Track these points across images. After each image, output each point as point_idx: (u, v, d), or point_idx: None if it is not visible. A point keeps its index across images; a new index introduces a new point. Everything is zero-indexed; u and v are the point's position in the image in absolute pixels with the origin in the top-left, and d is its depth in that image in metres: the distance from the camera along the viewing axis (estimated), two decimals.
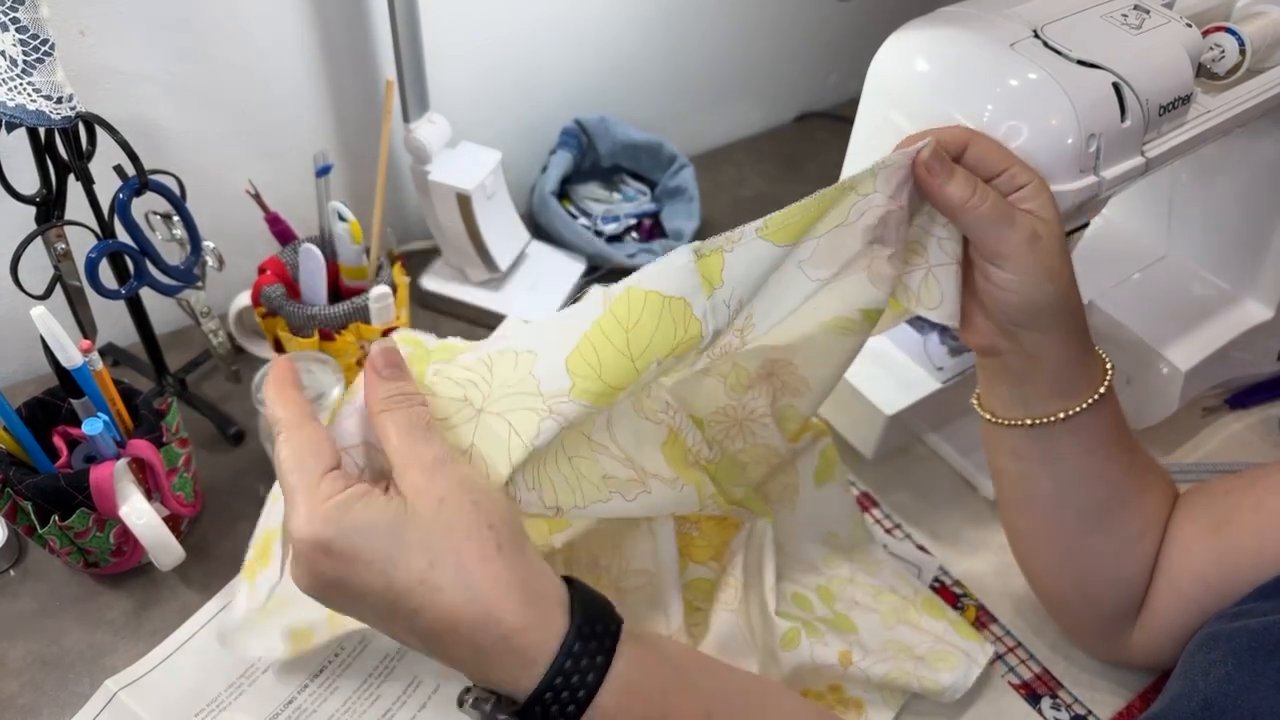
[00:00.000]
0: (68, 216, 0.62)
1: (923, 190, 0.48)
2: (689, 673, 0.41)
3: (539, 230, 0.91)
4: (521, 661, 0.37)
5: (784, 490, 0.64)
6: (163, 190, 0.63)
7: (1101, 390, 0.52)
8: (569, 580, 0.40)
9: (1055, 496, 0.56)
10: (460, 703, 0.39)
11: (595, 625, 0.38)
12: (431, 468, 0.38)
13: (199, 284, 0.67)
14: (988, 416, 0.56)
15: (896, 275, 0.50)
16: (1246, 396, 0.81)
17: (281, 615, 0.56)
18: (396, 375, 0.41)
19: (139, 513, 0.58)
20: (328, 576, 0.37)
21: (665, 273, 0.43)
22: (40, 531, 0.58)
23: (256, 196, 0.72)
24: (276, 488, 0.58)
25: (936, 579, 0.68)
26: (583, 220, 0.92)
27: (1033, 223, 0.47)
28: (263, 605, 0.54)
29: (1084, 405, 0.52)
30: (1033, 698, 0.62)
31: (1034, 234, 0.47)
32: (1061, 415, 0.52)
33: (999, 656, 0.64)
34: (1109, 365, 0.54)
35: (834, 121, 1.17)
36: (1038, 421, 0.53)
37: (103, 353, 0.76)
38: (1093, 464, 0.54)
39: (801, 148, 1.13)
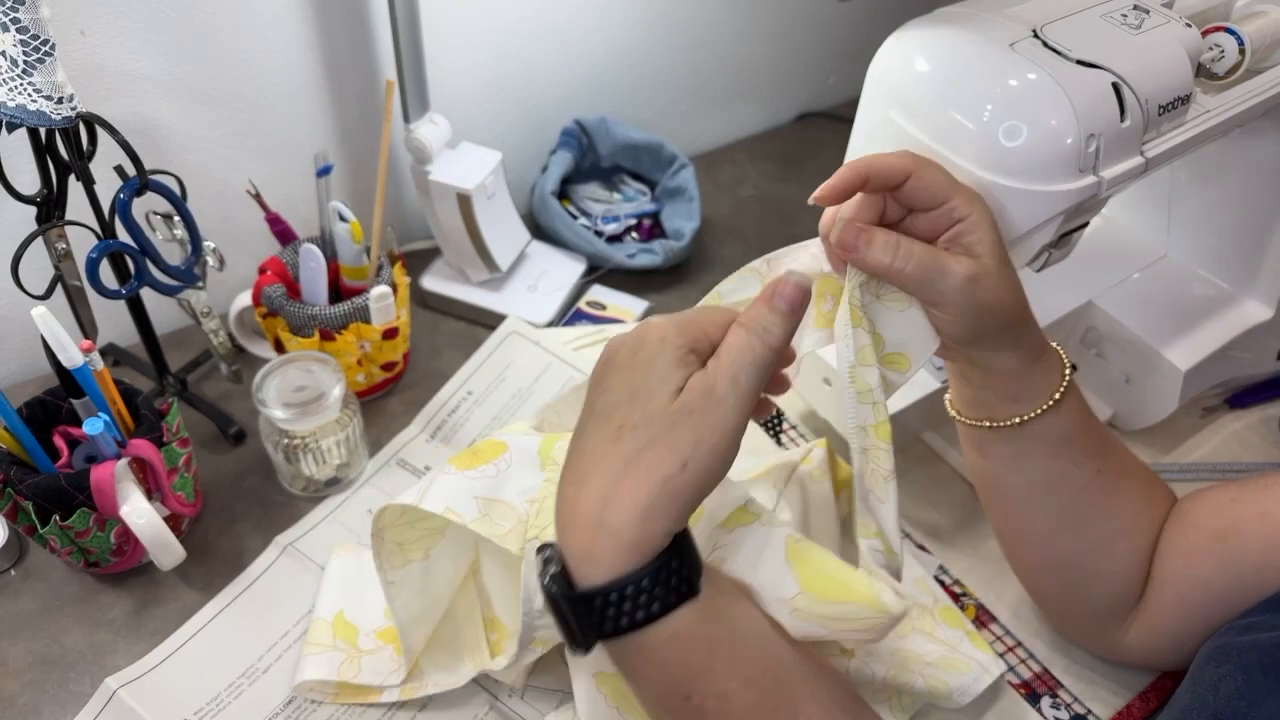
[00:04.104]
0: (68, 216, 0.62)
1: (850, 262, 0.48)
2: (727, 645, 0.41)
3: (539, 230, 0.91)
4: (605, 559, 0.39)
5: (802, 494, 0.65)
6: (163, 190, 0.63)
7: (1057, 396, 0.52)
8: (683, 534, 0.41)
9: (1022, 495, 0.56)
10: (539, 550, 0.42)
11: (670, 579, 0.39)
12: (709, 393, 0.40)
13: (199, 284, 0.68)
14: (954, 414, 0.57)
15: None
16: (1246, 396, 0.81)
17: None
18: (781, 314, 0.42)
19: (139, 512, 0.58)
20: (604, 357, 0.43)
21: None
22: (41, 531, 0.58)
23: (257, 196, 0.72)
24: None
25: (936, 578, 0.68)
26: (583, 220, 0.92)
27: (969, 265, 0.46)
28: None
29: (1039, 411, 0.52)
30: (1032, 697, 0.62)
31: (969, 277, 0.46)
32: (1018, 420, 0.53)
33: (999, 656, 0.63)
34: (1067, 371, 0.53)
35: (834, 121, 1.17)
36: (997, 424, 0.54)
37: (103, 353, 0.76)
38: (1057, 466, 0.54)
39: (801, 148, 1.13)
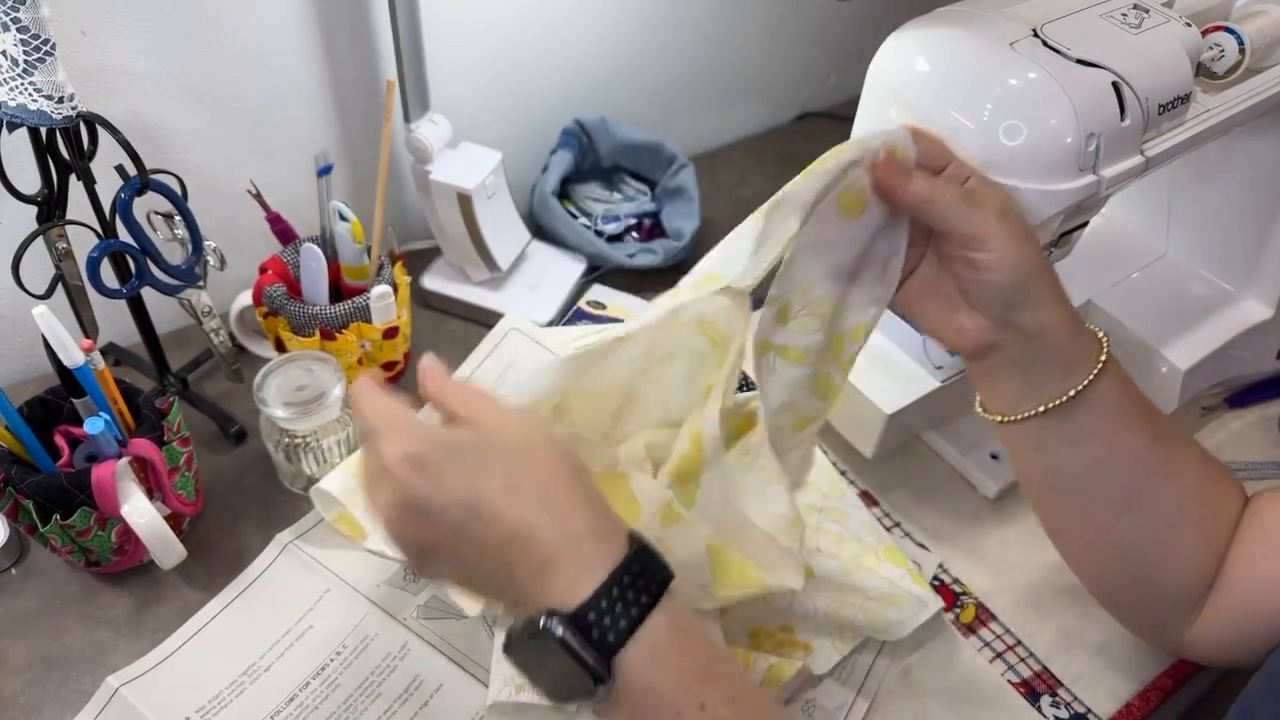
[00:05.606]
0: (69, 216, 0.62)
1: (886, 193, 0.51)
2: (718, 652, 0.45)
3: (539, 230, 0.91)
4: (585, 567, 0.39)
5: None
6: (164, 190, 0.63)
7: (1104, 356, 0.52)
8: (640, 546, 0.42)
9: (1083, 481, 0.54)
10: (510, 635, 0.40)
11: (649, 562, 0.40)
12: (509, 410, 0.43)
13: (200, 283, 0.68)
14: (998, 419, 0.54)
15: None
16: (1246, 395, 0.81)
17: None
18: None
19: (140, 511, 0.58)
20: (413, 494, 0.40)
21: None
22: (42, 530, 0.58)
23: (258, 196, 0.72)
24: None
25: (936, 577, 0.68)
26: (583, 220, 0.92)
27: (995, 199, 0.50)
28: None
29: (1091, 375, 0.51)
30: (1032, 695, 0.62)
31: (1000, 209, 0.50)
32: (1072, 392, 0.51)
33: (998, 655, 0.64)
34: (1101, 333, 0.53)
35: (834, 121, 1.17)
36: (1051, 405, 0.52)
37: (104, 352, 0.76)
38: (1116, 438, 0.53)
39: (801, 148, 1.12)
